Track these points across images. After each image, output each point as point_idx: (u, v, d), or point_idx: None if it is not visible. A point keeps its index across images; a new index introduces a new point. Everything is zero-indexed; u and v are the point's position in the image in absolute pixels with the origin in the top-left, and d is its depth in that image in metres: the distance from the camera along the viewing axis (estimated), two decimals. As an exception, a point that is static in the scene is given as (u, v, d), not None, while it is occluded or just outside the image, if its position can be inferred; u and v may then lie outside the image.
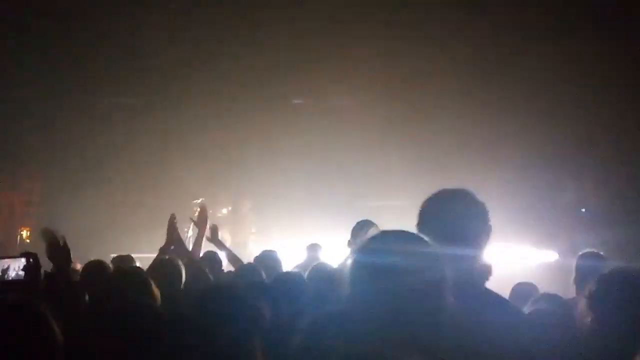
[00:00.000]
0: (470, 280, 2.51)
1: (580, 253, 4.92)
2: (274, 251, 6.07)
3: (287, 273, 4.96)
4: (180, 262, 4.58)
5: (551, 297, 4.21)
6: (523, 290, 5.01)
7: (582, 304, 2.76)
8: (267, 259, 5.71)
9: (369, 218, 5.76)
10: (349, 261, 1.99)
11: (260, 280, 4.72)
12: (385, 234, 2.06)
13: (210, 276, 4.85)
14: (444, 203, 2.61)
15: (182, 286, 4.41)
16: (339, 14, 11.53)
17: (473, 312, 2.26)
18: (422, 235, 2.49)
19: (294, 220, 11.94)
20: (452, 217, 2.56)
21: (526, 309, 4.12)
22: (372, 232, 2.11)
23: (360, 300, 1.90)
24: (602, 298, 2.68)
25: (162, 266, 4.56)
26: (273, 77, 12.01)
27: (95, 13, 11.54)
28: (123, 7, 11.44)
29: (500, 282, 2.83)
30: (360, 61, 11.68)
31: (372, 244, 2.00)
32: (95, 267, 4.55)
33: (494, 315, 2.41)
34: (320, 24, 11.59)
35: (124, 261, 5.70)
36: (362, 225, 5.42)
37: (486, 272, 4.36)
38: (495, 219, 2.60)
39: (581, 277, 4.74)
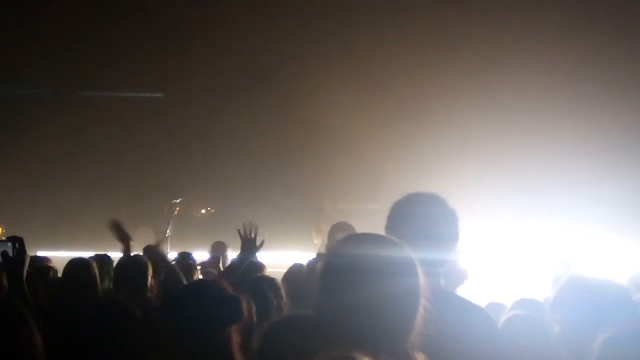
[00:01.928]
0: (437, 286, 2.48)
1: None
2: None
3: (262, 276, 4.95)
4: (146, 261, 4.55)
5: (529, 303, 4.22)
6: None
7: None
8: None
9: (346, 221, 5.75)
10: (320, 264, 1.96)
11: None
12: (359, 237, 2.02)
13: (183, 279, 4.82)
14: (413, 206, 2.58)
15: (148, 284, 4.39)
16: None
17: (445, 318, 2.25)
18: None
19: (269, 223, 11.92)
20: (421, 221, 2.53)
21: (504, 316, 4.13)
22: (346, 234, 2.08)
23: (331, 305, 1.85)
24: (560, 305, 2.70)
25: (127, 263, 4.55)
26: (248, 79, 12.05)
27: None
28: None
29: None
30: (340, 61, 11.68)
31: (345, 247, 1.94)
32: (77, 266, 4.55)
33: (465, 322, 2.40)
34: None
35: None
36: (339, 228, 5.40)
37: (461, 278, 4.37)
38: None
39: None
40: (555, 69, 11.19)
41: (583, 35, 10.98)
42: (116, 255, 6.06)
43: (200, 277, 5.83)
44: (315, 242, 11.36)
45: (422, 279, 1.90)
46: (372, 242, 1.94)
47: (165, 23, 12.10)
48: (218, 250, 8.12)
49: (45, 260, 6.54)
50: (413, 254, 1.96)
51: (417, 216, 2.55)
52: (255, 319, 3.51)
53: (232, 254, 8.16)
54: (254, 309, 3.56)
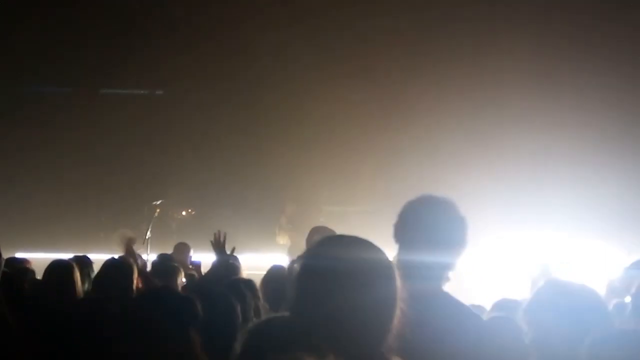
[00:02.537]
0: (438, 289, 2.53)
1: (634, 261, 4.64)
2: (235, 258, 6.03)
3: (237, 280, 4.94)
4: (131, 263, 4.53)
5: (509, 303, 4.25)
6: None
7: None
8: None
9: (328, 223, 5.75)
10: (296, 266, 1.94)
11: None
12: (335, 238, 2.00)
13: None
14: (425, 209, 2.61)
15: (134, 286, 4.36)
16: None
17: (431, 321, 2.26)
18: (396, 237, 2.51)
19: (248, 225, 11.91)
20: (434, 224, 2.56)
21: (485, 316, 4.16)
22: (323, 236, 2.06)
23: (306, 307, 1.83)
24: (534, 308, 2.71)
25: (111, 266, 4.52)
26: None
27: None
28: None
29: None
30: (325, 66, 11.69)
31: (321, 249, 1.92)
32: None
33: (452, 324, 2.41)
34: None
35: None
36: (316, 231, 5.39)
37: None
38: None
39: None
40: (538, 78, 11.28)
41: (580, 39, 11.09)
42: (95, 256, 6.02)
43: (183, 279, 5.81)
44: (281, 242, 11.37)
45: (398, 281, 1.88)
46: (348, 244, 1.92)
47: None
48: (181, 251, 8.09)
49: (24, 261, 6.48)
50: (389, 257, 1.96)
51: (426, 219, 2.57)
52: (240, 319, 3.52)
53: (199, 256, 8.17)
54: (238, 309, 3.56)
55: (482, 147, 11.32)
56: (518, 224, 10.63)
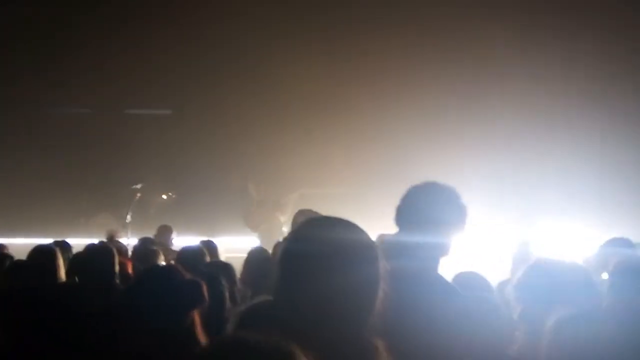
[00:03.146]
0: (433, 269, 2.61)
1: (609, 239, 4.67)
2: (211, 241, 6.03)
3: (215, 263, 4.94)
4: (113, 249, 4.52)
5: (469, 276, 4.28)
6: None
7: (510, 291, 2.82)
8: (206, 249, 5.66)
9: (311, 206, 5.76)
10: (279, 248, 1.95)
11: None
12: (319, 220, 1.99)
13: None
14: (430, 194, 2.70)
15: (115, 271, 4.36)
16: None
17: (419, 300, 2.33)
18: (398, 219, 2.58)
19: (229, 208, 11.91)
20: (435, 209, 2.66)
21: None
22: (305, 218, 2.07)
23: (289, 289, 1.84)
24: (523, 285, 2.75)
25: (91, 251, 4.51)
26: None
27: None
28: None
29: None
30: (308, 49, 11.64)
31: (304, 230, 1.92)
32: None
33: (438, 303, 2.47)
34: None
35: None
36: (303, 214, 5.40)
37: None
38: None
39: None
40: (518, 65, 11.32)
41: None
42: (74, 241, 6.00)
43: (163, 262, 5.80)
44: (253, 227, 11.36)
45: (382, 263, 1.88)
46: (332, 226, 1.91)
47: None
48: (163, 233, 8.10)
49: (1, 247, 6.44)
50: (372, 238, 1.97)
51: (426, 202, 2.68)
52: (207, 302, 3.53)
53: (179, 239, 8.17)
54: (226, 292, 3.58)
55: (459, 128, 11.36)
56: (497, 206, 10.74)
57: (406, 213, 2.66)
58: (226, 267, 4.47)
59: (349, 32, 11.62)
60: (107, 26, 11.96)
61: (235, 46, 11.93)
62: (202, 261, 4.84)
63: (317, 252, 1.83)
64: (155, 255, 5.59)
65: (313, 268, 1.82)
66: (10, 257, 5.68)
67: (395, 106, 11.63)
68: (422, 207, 2.66)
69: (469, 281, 4.26)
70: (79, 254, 4.95)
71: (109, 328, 2.70)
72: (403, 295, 1.93)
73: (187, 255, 4.96)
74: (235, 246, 8.75)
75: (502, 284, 4.81)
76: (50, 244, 5.07)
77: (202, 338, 2.44)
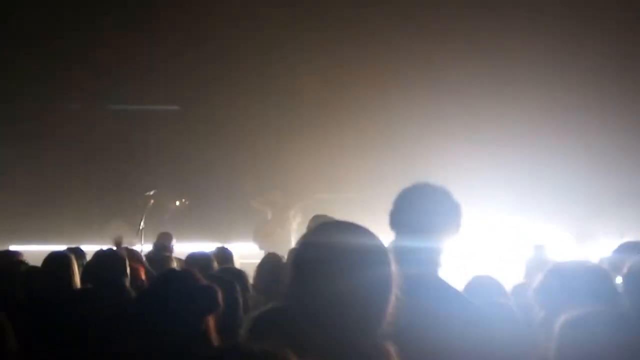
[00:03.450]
0: (433, 273, 2.55)
1: (623, 243, 4.53)
2: (226, 248, 6.04)
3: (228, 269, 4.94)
4: (123, 255, 4.53)
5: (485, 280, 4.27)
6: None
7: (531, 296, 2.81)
8: (221, 255, 5.66)
9: (324, 211, 5.76)
10: (292, 253, 1.95)
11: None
12: (331, 225, 1.99)
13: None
14: (421, 196, 2.64)
15: (126, 278, 4.38)
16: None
17: (426, 305, 2.27)
18: (392, 224, 2.54)
19: (242, 214, 11.92)
20: (428, 210, 2.59)
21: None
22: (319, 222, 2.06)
23: (302, 294, 1.84)
24: (545, 289, 2.73)
25: (102, 257, 4.53)
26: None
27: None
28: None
29: None
30: (313, 57, 11.68)
31: (317, 235, 1.92)
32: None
33: (446, 308, 2.43)
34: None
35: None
36: (318, 220, 5.40)
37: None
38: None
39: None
40: (516, 73, 11.32)
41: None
42: (88, 248, 6.03)
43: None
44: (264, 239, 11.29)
45: (394, 267, 1.88)
46: (344, 231, 1.91)
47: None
48: (164, 240, 8.11)
49: (16, 254, 6.47)
50: (385, 242, 1.97)
51: (420, 204, 2.61)
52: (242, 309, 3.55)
53: (194, 245, 8.18)
54: (240, 297, 3.58)
55: (471, 132, 11.36)
56: (506, 211, 10.73)
57: (400, 218, 2.60)
58: (239, 274, 4.47)
59: (363, 38, 11.65)
60: (119, 31, 12.04)
61: (251, 52, 11.98)
62: (210, 268, 4.84)
63: (328, 256, 1.83)
64: (168, 261, 5.61)
65: (324, 272, 1.82)
66: (25, 264, 5.73)
67: (408, 111, 11.63)
68: (415, 210, 2.59)
69: (484, 285, 4.25)
70: (90, 261, 4.98)
71: (120, 333, 2.71)
72: (407, 301, 1.92)
73: (194, 262, 4.97)
74: (249, 252, 8.78)
75: (517, 288, 4.79)
76: (64, 250, 5.10)
77: (217, 343, 2.44)
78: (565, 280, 2.69)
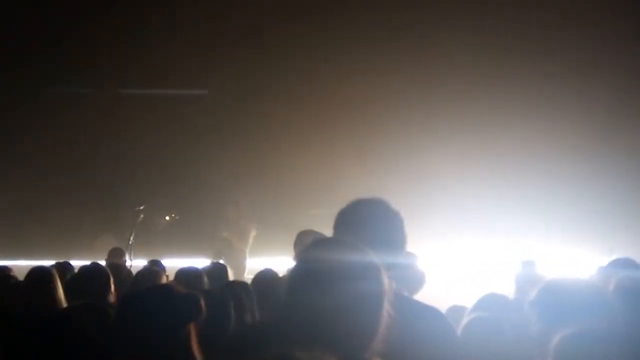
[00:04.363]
0: (399, 290, 2.50)
1: (612, 259, 4.62)
2: (220, 263, 6.04)
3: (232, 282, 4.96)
4: (107, 270, 4.55)
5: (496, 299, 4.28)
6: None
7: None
8: (217, 271, 5.66)
9: (313, 227, 5.77)
10: (287, 269, 1.98)
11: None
12: (325, 241, 2.07)
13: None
14: (357, 212, 2.59)
15: (110, 292, 4.38)
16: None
17: (400, 322, 2.28)
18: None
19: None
20: (368, 224, 2.54)
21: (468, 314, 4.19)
22: (313, 239, 2.10)
23: (297, 309, 1.87)
24: (539, 304, 2.75)
25: (86, 272, 4.53)
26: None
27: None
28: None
29: None
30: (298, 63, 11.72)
31: (311, 251, 1.97)
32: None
33: (421, 325, 2.41)
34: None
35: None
36: (304, 235, 5.41)
37: (420, 280, 4.41)
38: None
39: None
40: (509, 77, 11.39)
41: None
42: (77, 263, 6.02)
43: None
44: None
45: (385, 283, 1.93)
46: (337, 247, 1.97)
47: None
48: (115, 256, 8.09)
49: (6, 270, 6.45)
50: (378, 259, 1.98)
51: (361, 221, 2.55)
52: (233, 319, 3.55)
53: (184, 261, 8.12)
54: (232, 309, 3.59)
55: (459, 151, 11.41)
56: (494, 229, 10.79)
57: (344, 235, 2.49)
58: (244, 286, 4.50)
59: (366, 55, 11.70)
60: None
61: (255, 73, 12.01)
62: (199, 283, 4.84)
63: (320, 272, 1.87)
64: (158, 275, 5.59)
65: (315, 288, 1.86)
66: (14, 278, 5.71)
67: (405, 125, 11.68)
68: (353, 228, 2.52)
69: (497, 303, 4.26)
70: (73, 276, 4.98)
71: (101, 348, 2.70)
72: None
73: (184, 277, 4.97)
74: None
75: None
76: (47, 266, 5.09)
77: (197, 353, 2.43)
78: (561, 296, 2.71)
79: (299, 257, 2.00)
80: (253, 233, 11.24)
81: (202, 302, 2.46)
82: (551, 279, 2.90)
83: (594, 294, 2.78)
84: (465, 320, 3.73)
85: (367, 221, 2.55)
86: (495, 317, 3.78)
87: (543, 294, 2.79)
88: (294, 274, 1.94)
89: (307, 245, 2.03)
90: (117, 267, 6.16)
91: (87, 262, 5.10)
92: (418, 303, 2.61)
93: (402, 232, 2.59)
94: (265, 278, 5.00)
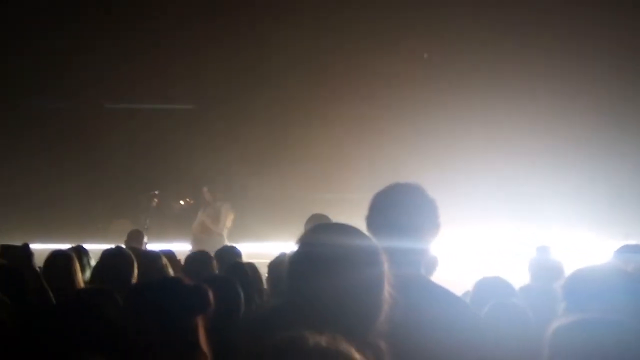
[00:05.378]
0: (418, 274, 2.53)
1: (623, 245, 4.50)
2: (234, 247, 6.02)
3: (239, 262, 4.94)
4: (130, 253, 4.53)
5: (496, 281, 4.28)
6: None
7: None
8: (227, 254, 5.63)
9: (324, 211, 5.77)
10: (290, 253, 1.99)
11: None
12: (324, 226, 2.12)
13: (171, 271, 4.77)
14: (394, 196, 2.60)
15: (134, 277, 4.37)
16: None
17: (418, 305, 2.26)
18: (369, 228, 2.54)
19: (247, 214, 11.90)
20: (402, 210, 2.55)
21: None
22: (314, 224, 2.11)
23: (298, 293, 1.90)
24: (570, 293, 2.72)
25: (113, 256, 4.52)
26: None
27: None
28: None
29: None
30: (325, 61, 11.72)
31: (311, 236, 2.00)
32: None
33: (438, 308, 2.41)
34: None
35: None
36: (314, 219, 5.41)
37: (432, 266, 4.40)
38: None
39: None
40: (523, 72, 11.34)
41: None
42: (91, 247, 6.04)
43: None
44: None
45: (385, 267, 1.94)
46: (338, 231, 1.99)
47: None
48: (134, 239, 8.08)
49: (28, 249, 6.47)
50: (377, 243, 2.01)
51: (396, 206, 2.56)
52: (243, 306, 3.56)
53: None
54: (241, 295, 3.59)
55: (475, 138, 11.38)
56: (508, 216, 10.76)
57: (377, 219, 2.55)
58: (252, 266, 4.49)
59: (373, 46, 11.67)
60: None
61: (266, 60, 12.01)
62: (209, 267, 4.84)
63: (321, 256, 1.90)
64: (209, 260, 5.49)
65: (317, 272, 1.88)
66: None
67: (411, 112, 11.66)
68: (392, 211, 2.54)
69: (493, 286, 4.26)
70: (99, 261, 4.97)
71: (111, 331, 2.71)
72: (399, 301, 1.94)
73: (193, 261, 4.97)
74: (258, 252, 8.79)
75: (524, 290, 4.79)
76: (66, 249, 5.11)
77: (205, 345, 2.43)
78: (591, 283, 2.67)
79: (299, 241, 2.01)
80: (231, 216, 11.14)
81: (211, 294, 2.45)
82: (580, 267, 2.84)
83: (624, 280, 2.73)
84: (487, 306, 3.71)
85: (402, 206, 2.56)
86: (518, 304, 3.78)
87: (572, 281, 2.75)
88: (294, 258, 1.96)
89: (308, 230, 2.06)
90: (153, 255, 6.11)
91: (101, 246, 5.11)
92: (443, 288, 2.59)
93: (436, 219, 2.59)
94: (281, 263, 4.98)
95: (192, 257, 5.16)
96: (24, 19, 11.87)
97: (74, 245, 6.06)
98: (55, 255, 4.68)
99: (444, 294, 2.55)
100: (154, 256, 4.84)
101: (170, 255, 5.57)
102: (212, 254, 5.33)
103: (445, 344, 2.31)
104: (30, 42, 11.88)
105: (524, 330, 3.61)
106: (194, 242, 10.51)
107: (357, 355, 1.39)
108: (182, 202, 12.10)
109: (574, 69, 11.17)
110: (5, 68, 11.99)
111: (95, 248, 5.94)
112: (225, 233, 11.00)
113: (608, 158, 10.96)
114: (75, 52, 11.94)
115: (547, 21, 11.33)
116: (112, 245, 4.97)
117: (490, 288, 4.26)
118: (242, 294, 3.63)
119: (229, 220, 11.09)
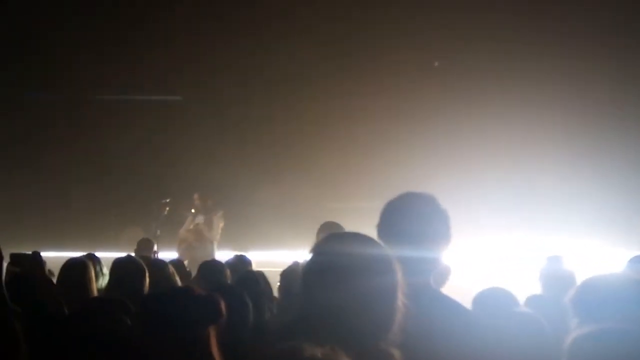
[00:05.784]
0: (427, 284, 2.53)
1: (635, 256, 4.49)
2: (244, 255, 6.01)
3: (251, 272, 4.94)
4: (142, 262, 4.52)
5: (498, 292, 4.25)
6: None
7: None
8: (240, 263, 5.63)
9: (334, 219, 5.76)
10: (304, 262, 2.00)
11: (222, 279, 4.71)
12: (338, 236, 2.11)
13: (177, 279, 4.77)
14: (406, 205, 2.59)
15: (145, 286, 4.37)
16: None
17: (428, 314, 2.26)
18: (380, 237, 2.54)
19: (257, 222, 11.91)
20: (413, 219, 2.54)
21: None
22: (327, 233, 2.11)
23: (313, 302, 1.89)
24: (581, 302, 2.70)
25: (125, 265, 4.51)
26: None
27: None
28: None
29: None
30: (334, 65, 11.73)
31: (325, 246, 2.00)
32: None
33: (449, 317, 2.42)
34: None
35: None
36: (326, 227, 5.40)
37: (445, 275, 4.38)
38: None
39: None
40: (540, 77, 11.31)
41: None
42: (103, 255, 6.04)
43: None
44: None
45: (399, 276, 1.94)
46: (351, 241, 1.99)
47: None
48: (144, 248, 8.06)
49: (39, 257, 6.47)
50: (391, 252, 2.01)
51: (407, 215, 2.55)
52: (251, 316, 3.55)
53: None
54: (249, 306, 3.59)
55: (487, 147, 11.35)
56: (520, 224, 10.71)
57: (388, 229, 2.53)
58: (262, 274, 4.48)
59: (380, 52, 11.69)
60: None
61: (269, 69, 12.04)
62: (222, 276, 4.83)
63: (334, 266, 1.90)
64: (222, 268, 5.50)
65: (330, 282, 1.88)
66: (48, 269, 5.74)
67: (422, 126, 11.66)
68: (403, 220, 2.53)
69: (495, 296, 4.22)
70: (111, 270, 4.97)
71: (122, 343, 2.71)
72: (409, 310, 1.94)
73: (206, 270, 4.96)
74: (264, 260, 8.79)
75: (532, 300, 4.75)
76: (81, 257, 5.10)
77: (217, 355, 2.42)
78: (602, 293, 2.65)
79: (313, 250, 2.01)
80: (221, 224, 11.12)
81: (222, 304, 2.45)
82: (589, 277, 2.81)
83: (637, 289, 2.70)
84: (503, 318, 3.67)
85: (413, 215, 2.55)
86: (534, 314, 3.74)
87: (583, 291, 2.73)
88: (308, 267, 1.96)
89: (321, 239, 2.05)
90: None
91: (112, 255, 5.10)
92: (451, 300, 2.58)
93: (447, 229, 2.58)
94: (293, 272, 4.97)
95: (205, 265, 5.16)
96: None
97: (85, 253, 6.08)
98: (71, 263, 4.66)
99: (453, 304, 2.55)
100: (161, 265, 4.83)
101: (178, 264, 5.57)
102: (203, 261, 5.34)
103: (456, 353, 2.30)
104: (31, 42, 11.93)
105: (540, 340, 3.57)
106: (186, 249, 10.47)
107: None
108: (192, 211, 12.11)
109: (592, 78, 11.13)
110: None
111: (106, 256, 5.95)
112: (216, 241, 11.02)
113: (624, 166, 10.90)
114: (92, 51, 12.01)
115: (560, 28, 11.31)
116: (123, 254, 4.96)
117: (490, 300, 4.22)
118: (250, 305, 3.62)
119: (220, 228, 11.10)
